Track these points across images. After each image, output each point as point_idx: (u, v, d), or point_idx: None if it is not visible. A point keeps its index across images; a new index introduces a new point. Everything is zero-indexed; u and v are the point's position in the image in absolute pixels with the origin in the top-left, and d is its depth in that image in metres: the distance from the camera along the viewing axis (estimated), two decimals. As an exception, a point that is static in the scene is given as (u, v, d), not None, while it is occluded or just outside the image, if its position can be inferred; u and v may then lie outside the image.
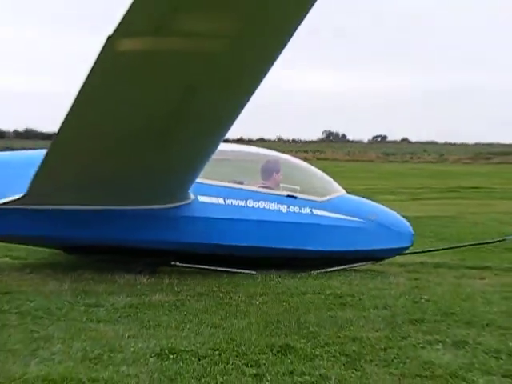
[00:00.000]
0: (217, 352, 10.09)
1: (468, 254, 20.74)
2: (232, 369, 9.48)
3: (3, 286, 14.50)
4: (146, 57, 12.43)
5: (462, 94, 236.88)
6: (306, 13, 12.15)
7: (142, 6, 11.24)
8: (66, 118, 13.41)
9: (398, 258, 18.09)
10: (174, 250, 16.52)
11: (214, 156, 15.44)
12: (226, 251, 16.59)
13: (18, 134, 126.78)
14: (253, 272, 16.31)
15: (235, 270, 16.41)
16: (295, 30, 12.58)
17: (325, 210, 17.24)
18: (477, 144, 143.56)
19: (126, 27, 11.63)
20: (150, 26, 11.79)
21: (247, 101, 13.84)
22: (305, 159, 20.20)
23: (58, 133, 14.07)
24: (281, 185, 17.37)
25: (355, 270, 17.04)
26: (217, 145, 15.18)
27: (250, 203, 16.90)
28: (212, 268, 16.46)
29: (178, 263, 16.60)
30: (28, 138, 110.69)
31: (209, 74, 13.04)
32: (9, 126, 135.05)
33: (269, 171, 17.66)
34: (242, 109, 14.08)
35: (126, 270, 15.76)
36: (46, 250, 18.49)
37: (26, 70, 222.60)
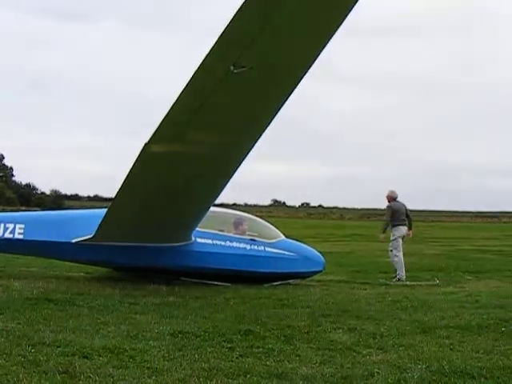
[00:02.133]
0: (207, 333, 10.00)
1: (357, 274, 20.70)
2: (216, 343, 9.41)
3: (79, 289, 14.34)
4: (168, 156, 12.53)
5: (348, 178, 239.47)
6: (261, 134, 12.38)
7: (165, 125, 11.33)
8: (118, 192, 13.53)
9: (315, 277, 18.00)
10: (182, 270, 16.47)
11: (206, 214, 15.52)
12: (213, 271, 16.47)
13: (89, 198, 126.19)
14: (228, 284, 16.19)
15: (217, 283, 16.27)
16: (251, 149, 12.80)
17: (272, 247, 17.14)
18: (362, 209, 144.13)
19: (155, 137, 11.72)
20: (170, 138, 11.89)
21: (227, 182, 13.94)
22: (260, 217, 20.11)
23: (114, 199, 14.16)
24: (246, 232, 17.33)
25: (290, 284, 16.93)
26: (208, 208, 15.25)
27: (228, 243, 16.84)
28: (204, 281, 16.33)
29: (184, 278, 16.54)
30: (95, 200, 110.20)
31: (204, 165, 13.14)
32: (84, 193, 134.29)
33: (238, 224, 17.63)
34: (224, 186, 14.16)
35: (153, 281, 15.62)
36: (104, 269, 18.33)
37: (97, 161, 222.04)
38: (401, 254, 19.67)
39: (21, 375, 7.36)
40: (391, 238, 19.88)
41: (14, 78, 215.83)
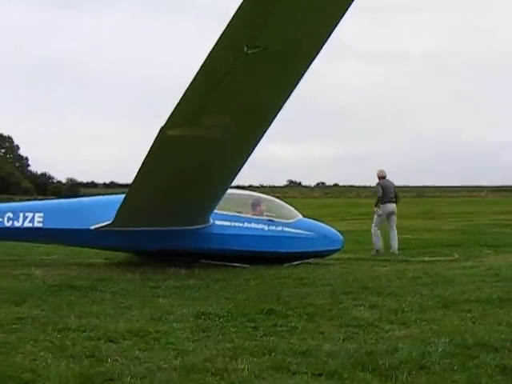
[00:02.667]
0: (229, 314, 10.05)
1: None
2: (239, 323, 9.47)
3: (100, 275, 14.46)
4: (184, 139, 12.55)
5: (362, 156, 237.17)
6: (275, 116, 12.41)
7: (180, 108, 11.35)
8: (136, 177, 13.57)
9: (334, 255, 18.05)
10: (201, 252, 16.55)
11: (224, 196, 15.56)
12: (232, 253, 16.56)
13: (105, 185, 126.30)
14: (247, 265, 16.26)
15: (236, 264, 16.35)
16: (266, 130, 12.82)
17: (291, 227, 17.22)
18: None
19: (171, 121, 11.75)
20: (185, 120, 11.91)
21: (243, 163, 13.94)
22: (277, 197, 20.15)
23: (131, 184, 14.21)
24: (264, 213, 17.38)
25: (309, 263, 17.00)
26: (226, 190, 15.27)
27: (246, 224, 16.91)
28: (223, 263, 16.43)
29: (203, 261, 16.62)
30: (111, 187, 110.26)
31: (220, 147, 13.16)
32: (99, 180, 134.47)
33: (256, 205, 17.67)
34: (240, 168, 14.17)
35: (173, 265, 15.67)
36: (124, 254, 18.44)
37: (112, 147, 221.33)
38: (376, 229, 20.95)
39: (49, 360, 7.45)
40: (378, 213, 21.13)
41: (30, 66, 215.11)
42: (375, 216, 21.15)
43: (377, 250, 20.48)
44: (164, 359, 7.58)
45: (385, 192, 21.03)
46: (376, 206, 21.42)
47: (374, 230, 20.90)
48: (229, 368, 7.20)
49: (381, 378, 6.91)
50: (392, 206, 21.13)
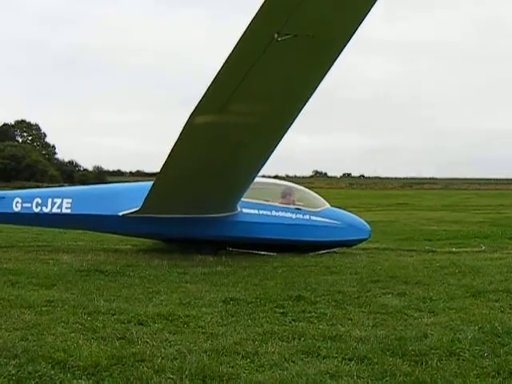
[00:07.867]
0: (258, 300, 10.13)
1: (402, 242, 20.69)
2: (268, 309, 9.54)
3: (128, 261, 14.59)
4: (213, 126, 12.56)
5: (383, 150, 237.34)
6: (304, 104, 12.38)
7: (210, 96, 11.38)
8: (164, 164, 13.61)
9: (360, 245, 18.04)
10: (229, 240, 16.59)
11: (252, 184, 15.57)
12: (259, 241, 16.60)
13: (131, 173, 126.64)
14: (274, 254, 16.28)
15: (264, 253, 16.38)
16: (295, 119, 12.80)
17: (318, 216, 17.21)
18: (404, 178, 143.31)
19: (200, 109, 11.79)
20: (215, 108, 11.94)
21: (272, 152, 13.93)
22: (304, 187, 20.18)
23: (160, 171, 14.23)
24: (292, 201, 17.38)
25: (336, 252, 17.02)
26: (253, 178, 15.26)
27: (273, 213, 16.91)
28: (250, 251, 16.45)
29: (230, 248, 16.67)
30: (138, 175, 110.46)
31: (249, 135, 13.15)
32: (126, 169, 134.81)
33: (284, 194, 17.67)
34: (268, 156, 14.16)
35: (200, 252, 15.75)
36: (152, 240, 18.52)
37: (138, 139, 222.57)
38: None
39: (80, 341, 7.54)
40: None
41: (53, 56, 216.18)
42: None
43: None
44: (194, 342, 7.65)
45: None
46: None
47: None
48: (259, 351, 7.27)
49: (410, 363, 6.94)
50: None
